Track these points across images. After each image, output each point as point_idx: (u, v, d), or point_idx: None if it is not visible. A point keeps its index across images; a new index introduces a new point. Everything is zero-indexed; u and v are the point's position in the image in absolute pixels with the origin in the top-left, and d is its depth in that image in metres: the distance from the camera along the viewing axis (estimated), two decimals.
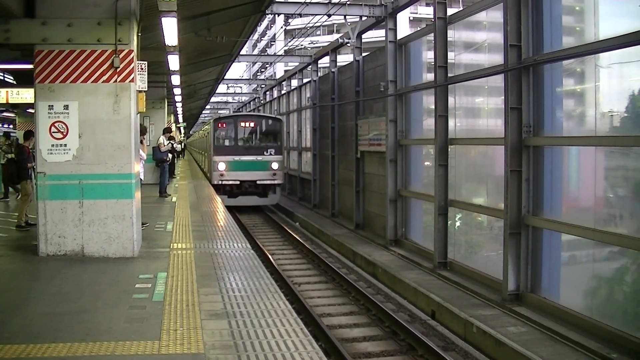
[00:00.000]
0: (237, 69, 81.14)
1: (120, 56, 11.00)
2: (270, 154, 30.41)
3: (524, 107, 12.87)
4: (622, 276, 11.57)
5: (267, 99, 47.07)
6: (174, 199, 21.74)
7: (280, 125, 32.09)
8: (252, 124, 31.49)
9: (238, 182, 29.88)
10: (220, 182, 29.56)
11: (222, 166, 29.69)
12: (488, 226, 16.05)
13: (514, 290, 12.98)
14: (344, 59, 34.92)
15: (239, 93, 60.12)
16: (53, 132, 10.96)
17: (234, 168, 29.83)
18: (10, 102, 21.41)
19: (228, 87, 50.65)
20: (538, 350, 10.47)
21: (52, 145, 11.01)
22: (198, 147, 60.55)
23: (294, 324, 7.42)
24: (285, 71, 48.36)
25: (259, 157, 30.22)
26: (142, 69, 11.96)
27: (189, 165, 51.02)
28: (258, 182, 30.06)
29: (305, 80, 34.67)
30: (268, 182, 30.28)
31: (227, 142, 31.15)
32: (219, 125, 31.40)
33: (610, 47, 10.81)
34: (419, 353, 11.38)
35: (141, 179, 13.89)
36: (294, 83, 38.25)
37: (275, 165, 30.24)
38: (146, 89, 12.26)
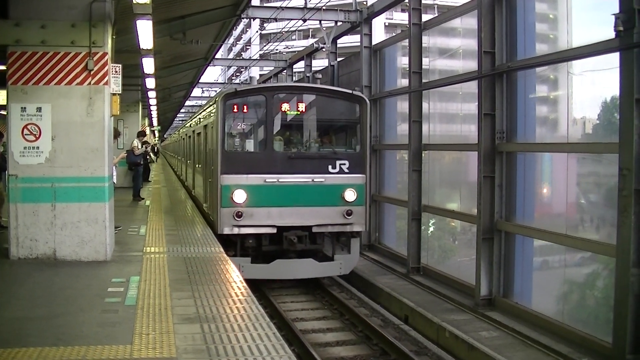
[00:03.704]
0: (212, 73, 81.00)
1: (95, 59, 10.93)
2: (342, 170, 15.66)
3: (497, 114, 12.97)
4: (593, 281, 11.69)
5: None
6: (148, 202, 21.62)
7: (362, 111, 16.09)
8: (302, 107, 15.91)
9: (274, 231, 15.16)
10: (235, 231, 15.08)
11: (240, 196, 14.97)
12: (461, 231, 16.14)
13: (487, 295, 13.05)
14: (319, 63, 34.97)
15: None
16: (25, 135, 10.87)
17: (264, 200, 15.19)
18: None
19: (203, 90, 50.39)
20: (510, 354, 10.57)
21: (25, 148, 10.90)
22: (176, 151, 45.10)
23: (266, 328, 7.41)
24: (261, 75, 48.34)
25: (318, 178, 15.45)
26: (116, 71, 11.89)
27: (163, 169, 50.72)
28: (315, 229, 15.44)
29: None
30: (337, 228, 15.73)
31: (249, 146, 16.02)
32: (235, 109, 15.66)
33: (583, 54, 10.95)
34: (391, 357, 11.42)
35: (114, 182, 13.80)
36: None
37: (351, 195, 15.51)
38: (120, 92, 12.18)
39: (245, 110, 15.83)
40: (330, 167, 15.57)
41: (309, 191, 15.40)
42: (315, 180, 15.39)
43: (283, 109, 15.73)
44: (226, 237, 15.05)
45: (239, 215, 14.86)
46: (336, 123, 16.92)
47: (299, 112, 15.92)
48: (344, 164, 15.68)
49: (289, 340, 11.69)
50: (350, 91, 16.43)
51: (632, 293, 9.31)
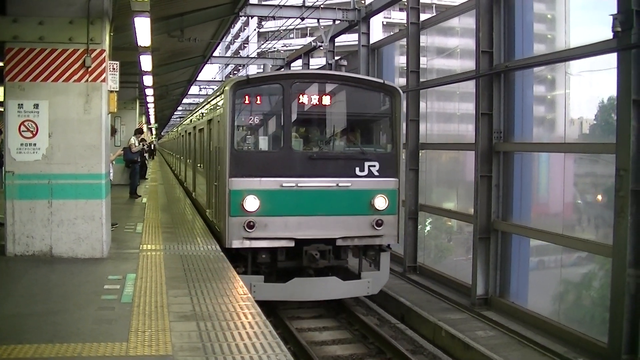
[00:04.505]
0: (210, 71, 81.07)
1: (92, 56, 10.90)
2: (371, 173, 13.30)
3: (494, 113, 13.00)
4: (589, 282, 11.71)
5: None
6: (145, 200, 21.59)
7: (394, 104, 13.69)
8: (327, 99, 13.58)
9: (292, 244, 12.97)
10: (246, 245, 12.87)
11: (251, 203, 12.71)
12: (458, 231, 16.16)
13: (483, 295, 13.08)
14: (317, 62, 34.94)
15: (211, 95, 59.70)
16: (22, 131, 10.83)
17: (281, 208, 12.95)
18: None
19: (200, 88, 50.29)
20: (506, 354, 10.59)
21: (22, 145, 10.87)
22: (174, 149, 41.77)
23: (262, 326, 7.40)
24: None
25: (343, 182, 13.12)
26: (113, 69, 11.85)
27: (160, 167, 50.67)
28: (340, 242, 13.21)
29: None
30: (365, 241, 13.48)
31: (262, 144, 13.91)
32: (247, 100, 13.37)
33: (581, 55, 10.98)
34: (387, 356, 11.42)
35: (111, 180, 13.78)
36: None
37: (381, 202, 13.21)
38: (118, 89, 12.14)
39: (258, 102, 13.46)
40: (357, 169, 13.19)
41: (332, 198, 13.07)
42: (340, 184, 13.04)
43: (303, 100, 13.37)
44: (235, 251, 12.82)
45: (250, 225, 12.60)
46: (365, 118, 14.59)
47: (323, 106, 13.55)
48: (374, 166, 13.33)
49: (285, 338, 11.68)
50: (381, 80, 14.00)
51: (628, 293, 9.34)
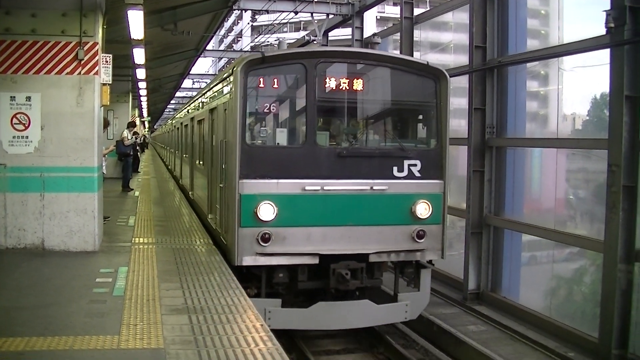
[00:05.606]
0: (203, 64, 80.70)
1: (85, 48, 10.87)
2: (411, 174, 10.99)
3: (487, 108, 13.03)
4: (580, 277, 11.76)
5: None
6: (137, 193, 21.54)
7: (440, 91, 11.19)
8: (359, 83, 10.99)
9: (315, 261, 10.59)
10: (260, 262, 10.49)
11: (267, 211, 10.31)
12: (450, 225, 16.17)
13: (475, 290, 13.12)
14: None
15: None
16: (14, 124, 10.81)
17: (303, 217, 10.61)
18: None
19: (193, 82, 50.17)
20: (497, 348, 10.61)
21: (14, 137, 10.84)
22: (168, 143, 37.97)
23: (254, 320, 7.40)
24: None
25: (379, 185, 10.81)
26: (106, 62, 11.83)
27: (153, 161, 50.57)
28: (374, 258, 10.88)
29: None
30: (404, 257, 11.19)
31: (280, 138, 11.29)
32: (261, 83, 10.79)
33: (574, 51, 11.02)
34: (379, 350, 11.43)
35: (103, 173, 13.75)
36: None
37: (424, 209, 10.91)
38: (110, 82, 12.12)
39: (275, 86, 10.96)
40: (395, 169, 10.91)
41: (365, 204, 10.77)
42: (374, 188, 10.74)
43: (330, 84, 10.83)
44: (246, 269, 10.60)
45: (265, 238, 10.29)
46: (404, 106, 12.01)
47: (355, 91, 11.03)
48: (415, 166, 11.02)
49: (277, 332, 11.66)
50: (424, 61, 11.52)
51: (619, 288, 9.38)
